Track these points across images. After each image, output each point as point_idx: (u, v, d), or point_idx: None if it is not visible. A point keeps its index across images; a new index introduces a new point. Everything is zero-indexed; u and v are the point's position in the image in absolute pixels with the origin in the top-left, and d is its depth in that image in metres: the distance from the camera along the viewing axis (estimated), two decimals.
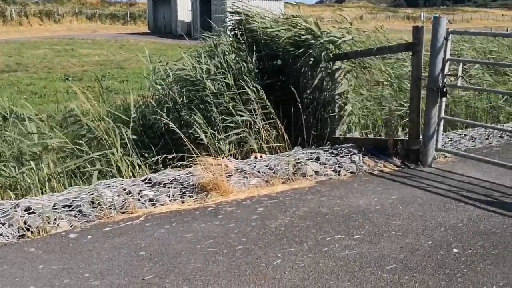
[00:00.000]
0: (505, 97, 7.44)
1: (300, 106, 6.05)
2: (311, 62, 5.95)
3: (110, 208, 3.99)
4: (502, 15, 68.21)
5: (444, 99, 5.08)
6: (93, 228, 3.68)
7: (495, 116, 7.30)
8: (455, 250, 3.25)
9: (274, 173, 4.74)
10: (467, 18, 61.39)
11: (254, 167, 4.89)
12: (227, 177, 4.52)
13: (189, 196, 4.28)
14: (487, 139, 6.29)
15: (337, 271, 2.99)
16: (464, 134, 6.54)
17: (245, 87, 5.91)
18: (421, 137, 5.21)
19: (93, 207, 4.00)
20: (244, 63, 6.27)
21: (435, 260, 3.11)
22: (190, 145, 4.91)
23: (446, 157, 5.45)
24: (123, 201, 4.11)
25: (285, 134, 5.36)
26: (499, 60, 9.33)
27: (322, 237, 3.46)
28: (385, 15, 58.47)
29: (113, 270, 3.05)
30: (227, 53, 6.42)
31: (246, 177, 4.64)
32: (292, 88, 6.18)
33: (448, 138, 6.20)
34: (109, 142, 5.15)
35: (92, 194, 4.14)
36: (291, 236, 3.47)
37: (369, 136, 6.21)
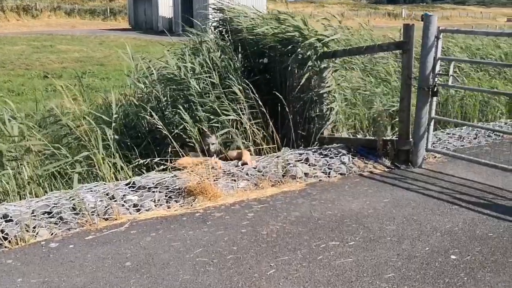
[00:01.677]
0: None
1: (287, 105, 5.91)
2: (298, 60, 5.81)
3: (93, 215, 3.80)
4: (480, 12, 69.12)
5: (435, 98, 4.99)
6: (75, 237, 3.49)
7: (484, 114, 7.26)
8: (453, 256, 3.15)
9: (263, 175, 4.60)
10: (447, 15, 61.93)
11: (242, 169, 4.73)
12: (214, 180, 4.36)
13: (175, 200, 4.11)
14: (475, 138, 6.24)
15: (333, 281, 2.87)
16: (453, 134, 6.48)
17: (231, 85, 5.75)
18: (411, 137, 5.12)
19: (75, 214, 3.81)
20: (230, 61, 6.11)
21: (433, 268, 3.00)
22: (177, 146, 4.73)
23: (435, 157, 5.37)
24: (106, 207, 3.92)
25: (275, 134, 5.20)
26: (484, 56, 9.32)
27: (316, 244, 3.33)
28: (366, 12, 58.67)
29: (98, 283, 2.87)
30: (212, 50, 6.24)
31: (234, 180, 4.49)
32: (279, 87, 6.05)
33: (437, 137, 6.13)
34: (91, 143, 4.94)
35: (73, 199, 3.94)
36: (283, 244, 3.33)
37: (358, 136, 6.11)
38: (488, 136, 6.31)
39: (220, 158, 5.11)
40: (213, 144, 5.08)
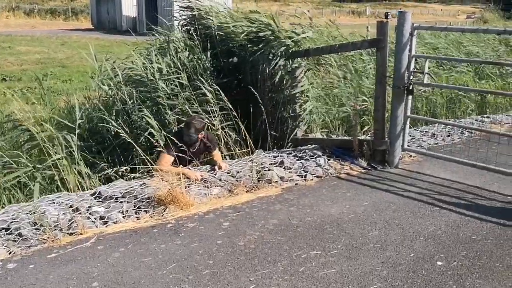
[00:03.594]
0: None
1: (259, 106, 5.73)
2: (269, 59, 5.63)
3: (56, 230, 3.51)
4: (441, 9, 70.62)
5: (410, 97, 4.89)
6: (35, 255, 3.20)
7: (453, 111, 7.26)
8: (439, 263, 3.02)
9: (237, 180, 4.39)
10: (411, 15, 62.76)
11: (215, 174, 4.52)
12: (186, 187, 4.13)
13: (145, 211, 3.85)
14: (448, 135, 6.20)
15: None
16: (426, 131, 6.43)
17: (201, 87, 5.52)
18: (387, 137, 5.01)
19: (36, 229, 3.51)
20: (198, 61, 5.88)
21: (420, 276, 2.87)
22: (143, 154, 4.48)
23: (411, 156, 5.28)
24: (70, 220, 3.64)
25: (248, 137, 5.00)
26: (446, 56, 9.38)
27: (297, 254, 3.15)
28: (331, 10, 59.04)
29: None
30: (180, 50, 6.00)
31: (207, 187, 4.27)
32: (250, 87, 5.86)
33: (410, 136, 6.05)
34: (53, 150, 4.62)
35: (34, 213, 3.64)
36: (262, 255, 3.14)
37: (332, 136, 5.97)
38: (461, 133, 6.29)
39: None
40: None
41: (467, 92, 7.50)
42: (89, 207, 3.86)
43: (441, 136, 6.19)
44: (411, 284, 2.78)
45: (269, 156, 5.01)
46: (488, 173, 4.55)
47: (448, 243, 3.28)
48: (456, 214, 3.77)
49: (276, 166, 4.75)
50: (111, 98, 6.00)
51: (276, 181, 4.50)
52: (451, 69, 8.74)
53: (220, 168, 4.61)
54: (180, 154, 4.50)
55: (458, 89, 7.06)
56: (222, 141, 5.23)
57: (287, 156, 5.02)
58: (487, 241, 3.31)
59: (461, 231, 3.46)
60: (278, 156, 5.02)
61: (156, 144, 4.80)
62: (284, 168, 4.75)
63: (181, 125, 5.13)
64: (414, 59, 4.76)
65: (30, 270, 3.00)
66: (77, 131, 4.93)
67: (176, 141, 4.46)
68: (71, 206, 3.83)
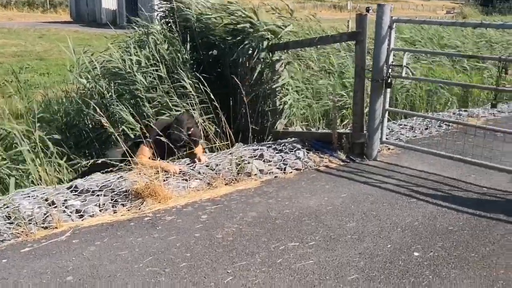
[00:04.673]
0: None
1: (239, 99, 5.70)
2: (249, 52, 5.60)
3: (30, 223, 3.44)
4: (421, 5, 71.26)
5: (388, 90, 4.92)
6: (8, 250, 3.14)
7: (432, 104, 7.34)
8: (416, 253, 3.05)
9: (216, 173, 4.36)
10: (390, 8, 63.23)
11: (194, 167, 4.49)
12: (164, 180, 4.09)
13: (122, 204, 3.81)
14: (426, 128, 6.26)
15: (295, 286, 2.69)
16: (404, 125, 6.49)
17: (180, 79, 5.48)
18: (365, 130, 5.03)
19: (9, 223, 3.43)
20: (178, 54, 5.83)
21: (397, 266, 2.89)
22: (124, 145, 4.41)
23: (389, 149, 5.32)
24: (45, 214, 3.57)
25: (229, 129, 4.97)
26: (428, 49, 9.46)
27: (275, 246, 3.15)
28: (313, 4, 59.08)
29: None
30: (158, 42, 5.93)
31: (186, 180, 4.23)
32: (230, 80, 5.83)
33: (389, 129, 6.10)
34: (30, 144, 4.54)
35: (7, 207, 3.57)
36: (240, 247, 3.12)
37: (312, 129, 5.98)
38: (438, 126, 6.35)
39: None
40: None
41: (447, 86, 7.58)
42: (65, 200, 3.80)
43: (419, 129, 6.25)
44: (388, 275, 2.80)
45: (249, 149, 4.99)
46: (464, 165, 4.61)
47: (425, 234, 3.31)
48: (433, 205, 3.81)
49: (256, 159, 4.74)
50: (89, 91, 5.92)
51: (255, 174, 4.48)
52: (432, 62, 8.83)
53: (199, 160, 4.57)
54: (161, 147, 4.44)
55: (435, 82, 7.13)
56: (202, 133, 5.19)
57: (267, 149, 5.01)
58: (463, 231, 3.35)
59: (438, 222, 3.50)
60: (257, 149, 5.00)
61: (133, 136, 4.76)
62: (264, 161, 4.74)
63: (165, 120, 5.02)
64: (392, 52, 4.77)
65: (3, 265, 2.94)
66: (56, 123, 4.84)
67: (156, 134, 4.39)
68: (46, 200, 3.76)
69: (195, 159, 4.60)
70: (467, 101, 7.83)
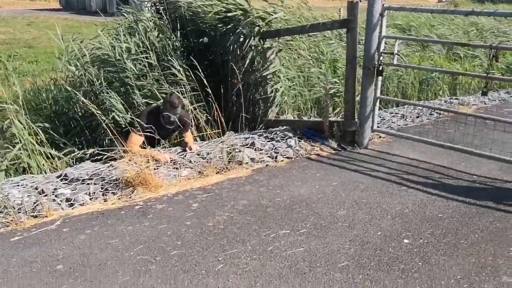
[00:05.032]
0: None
1: (230, 88, 5.68)
2: (240, 40, 5.57)
3: (20, 212, 3.42)
4: None
5: (380, 78, 4.91)
6: None
7: (424, 92, 7.35)
8: (406, 240, 3.06)
9: (207, 162, 4.35)
10: None
11: (185, 156, 4.47)
12: (155, 169, 4.07)
13: (112, 193, 3.79)
14: (418, 117, 6.27)
15: (286, 273, 2.70)
16: (395, 113, 6.50)
17: (171, 67, 5.43)
18: (357, 118, 5.03)
19: None
20: (168, 41, 5.78)
21: (387, 254, 2.90)
22: (118, 134, 4.37)
23: (380, 137, 5.33)
24: (35, 203, 3.55)
25: (221, 117, 4.94)
26: (418, 35, 9.45)
27: (266, 234, 3.15)
28: None
29: None
30: (149, 30, 5.87)
31: (177, 168, 4.22)
32: (221, 68, 5.80)
33: (380, 117, 6.11)
34: (19, 132, 4.49)
35: None
36: (231, 235, 3.12)
37: (304, 118, 5.98)
38: (430, 114, 6.37)
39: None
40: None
41: (439, 74, 7.60)
42: (55, 189, 3.78)
43: (411, 117, 6.27)
44: (378, 262, 2.81)
45: (240, 138, 4.98)
46: (455, 153, 4.62)
47: (415, 222, 3.33)
48: (423, 193, 3.82)
49: (247, 147, 4.73)
50: (78, 79, 5.85)
51: (246, 163, 4.48)
52: (425, 50, 8.83)
53: (190, 149, 4.56)
54: (151, 135, 4.42)
55: (426, 70, 7.14)
56: (193, 122, 5.17)
57: (258, 138, 5.00)
58: (452, 219, 3.37)
59: (427, 210, 3.51)
60: (249, 137, 4.99)
61: (123, 125, 4.72)
62: (255, 149, 4.73)
63: (154, 105, 5.01)
64: (383, 39, 4.76)
65: None
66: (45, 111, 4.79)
67: (146, 121, 4.37)
68: (36, 188, 3.74)
69: (186, 148, 4.59)
70: (455, 89, 7.86)
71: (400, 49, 7.98)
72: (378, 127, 5.25)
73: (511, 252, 2.90)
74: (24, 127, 4.46)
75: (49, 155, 4.61)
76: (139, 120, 4.37)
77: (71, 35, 6.41)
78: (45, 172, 4.26)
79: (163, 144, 4.85)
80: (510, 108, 6.81)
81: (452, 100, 7.26)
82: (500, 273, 2.68)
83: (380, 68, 4.77)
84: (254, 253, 2.91)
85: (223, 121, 5.02)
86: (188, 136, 4.84)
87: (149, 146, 4.38)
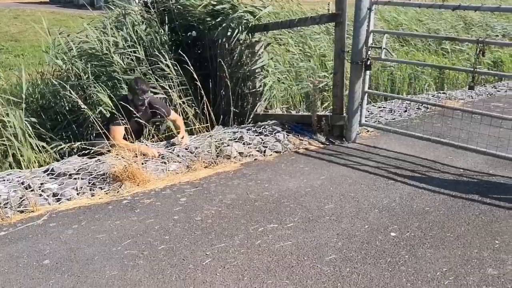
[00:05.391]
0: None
1: (218, 82, 5.66)
2: (229, 33, 5.54)
3: (6, 207, 3.40)
4: None
5: (368, 72, 4.92)
6: None
7: (413, 87, 7.38)
8: (392, 234, 3.08)
9: (195, 156, 4.34)
10: None
11: (173, 150, 4.45)
12: (142, 163, 4.06)
13: (99, 187, 3.77)
14: (405, 111, 6.31)
15: (273, 267, 2.71)
16: (383, 107, 6.53)
17: (159, 61, 5.40)
18: (345, 112, 5.05)
19: None
20: (156, 35, 5.74)
21: (374, 247, 2.92)
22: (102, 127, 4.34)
23: (368, 131, 5.35)
24: (21, 198, 3.52)
25: (211, 111, 4.92)
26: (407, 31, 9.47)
27: (254, 228, 3.16)
28: None
29: (10, 287, 2.53)
30: (136, 23, 5.82)
31: (165, 163, 4.20)
32: (210, 62, 5.78)
33: (368, 111, 6.13)
34: (4, 127, 4.44)
35: None
36: (219, 230, 3.12)
37: (292, 112, 5.98)
38: (417, 109, 6.41)
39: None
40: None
41: (425, 68, 7.63)
42: (42, 184, 3.75)
43: (398, 111, 6.30)
44: (365, 255, 2.83)
45: (229, 132, 4.98)
46: (442, 146, 4.66)
47: (402, 215, 3.35)
48: (410, 186, 3.85)
49: (236, 141, 4.73)
50: (65, 73, 5.80)
51: (235, 157, 4.48)
52: (412, 45, 8.85)
53: (182, 138, 4.57)
54: (138, 121, 4.42)
55: (415, 64, 7.18)
56: (182, 116, 5.15)
57: (247, 132, 5.00)
58: (439, 212, 3.40)
59: (414, 203, 3.54)
60: (237, 131, 4.99)
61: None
62: (244, 143, 4.73)
63: (122, 96, 4.96)
64: (371, 34, 4.77)
65: None
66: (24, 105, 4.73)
67: (122, 111, 4.37)
68: (22, 183, 3.71)
69: (179, 139, 4.58)
70: (443, 84, 7.91)
71: (388, 43, 8.01)
72: (366, 121, 5.27)
73: (496, 245, 2.94)
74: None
75: (37, 149, 4.57)
76: (115, 112, 4.37)
77: (58, 29, 6.34)
78: (32, 167, 4.22)
79: (154, 132, 4.86)
80: (496, 102, 6.87)
81: (439, 95, 7.30)
82: (485, 266, 2.71)
83: (368, 63, 4.78)
84: (242, 247, 2.91)
85: (211, 115, 5.00)
86: (178, 120, 4.86)
87: (137, 141, 4.37)
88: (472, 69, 4.32)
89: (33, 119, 5.10)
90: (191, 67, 5.03)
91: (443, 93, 7.46)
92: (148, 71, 5.40)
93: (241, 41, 5.53)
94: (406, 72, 7.31)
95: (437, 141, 4.57)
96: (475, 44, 4.20)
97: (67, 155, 4.55)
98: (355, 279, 2.59)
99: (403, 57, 7.79)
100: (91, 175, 3.89)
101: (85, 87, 5.32)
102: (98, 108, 5.00)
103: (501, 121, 4.33)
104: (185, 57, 5.06)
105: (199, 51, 6.15)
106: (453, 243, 2.98)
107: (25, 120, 4.81)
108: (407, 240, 3.00)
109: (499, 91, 7.83)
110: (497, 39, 9.17)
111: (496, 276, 2.61)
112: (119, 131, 4.38)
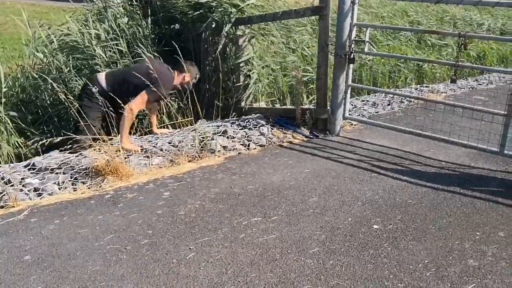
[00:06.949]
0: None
1: (202, 75, 5.62)
2: (212, 26, 5.51)
3: None
4: None
5: (351, 66, 4.94)
6: None
7: (394, 80, 7.43)
8: (375, 226, 3.11)
9: (179, 150, 4.32)
10: None
11: (156, 144, 4.42)
12: (125, 158, 4.02)
13: (82, 182, 3.73)
14: (389, 104, 6.35)
15: (257, 260, 2.71)
16: (367, 100, 6.57)
17: (141, 54, 5.35)
18: (329, 105, 5.06)
19: None
20: (138, 28, 5.68)
21: (357, 239, 2.94)
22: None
23: (352, 124, 5.38)
24: (1, 193, 3.47)
25: (191, 106, 4.89)
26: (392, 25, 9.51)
27: (238, 221, 3.15)
28: None
29: None
30: (118, 16, 5.75)
31: (148, 157, 4.17)
32: (193, 56, 5.74)
33: (352, 105, 6.16)
34: None
35: None
36: (203, 224, 3.11)
37: (276, 105, 5.97)
38: (400, 102, 6.46)
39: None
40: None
41: (406, 62, 7.68)
42: (23, 179, 3.70)
43: (382, 105, 6.34)
44: (348, 247, 2.85)
45: (213, 126, 4.96)
46: (424, 139, 4.71)
47: (385, 208, 3.38)
48: (393, 179, 3.88)
49: (219, 135, 4.71)
50: (46, 66, 5.71)
51: (219, 151, 4.46)
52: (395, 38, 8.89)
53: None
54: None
55: (396, 57, 7.22)
56: (164, 110, 5.12)
57: (231, 126, 4.99)
58: (421, 204, 3.43)
59: (397, 196, 3.57)
60: (221, 125, 4.98)
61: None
62: (228, 137, 4.72)
63: (165, 66, 4.78)
64: (355, 27, 4.77)
65: None
66: (11, 99, 4.66)
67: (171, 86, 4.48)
68: (2, 178, 3.65)
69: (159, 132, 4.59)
70: (422, 78, 7.98)
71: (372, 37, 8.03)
72: (349, 114, 5.29)
73: (477, 236, 2.98)
74: None
75: (17, 145, 4.51)
76: (165, 83, 4.32)
77: (39, 21, 6.24)
78: (12, 162, 4.16)
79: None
80: (478, 95, 6.95)
81: (422, 88, 7.36)
82: (466, 257, 2.74)
83: (352, 56, 4.79)
84: (225, 241, 2.91)
85: (198, 109, 4.97)
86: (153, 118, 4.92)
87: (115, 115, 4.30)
88: (455, 62, 4.35)
89: (13, 113, 5.03)
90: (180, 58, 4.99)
91: (426, 86, 7.52)
92: (131, 64, 5.34)
93: (224, 34, 5.49)
94: (385, 67, 7.35)
95: (419, 134, 4.61)
96: (457, 37, 4.24)
97: (48, 150, 4.48)
98: (338, 271, 2.61)
99: (386, 50, 7.82)
100: (73, 169, 3.85)
101: (66, 80, 5.25)
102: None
103: (483, 114, 4.37)
104: (168, 50, 5.01)
105: (182, 44, 6.09)
106: (435, 235, 3.01)
107: (5, 115, 4.74)
108: (389, 233, 3.02)
109: (480, 84, 7.93)
110: (480, 33, 9.25)
111: (477, 267, 2.64)
112: (145, 102, 4.30)
